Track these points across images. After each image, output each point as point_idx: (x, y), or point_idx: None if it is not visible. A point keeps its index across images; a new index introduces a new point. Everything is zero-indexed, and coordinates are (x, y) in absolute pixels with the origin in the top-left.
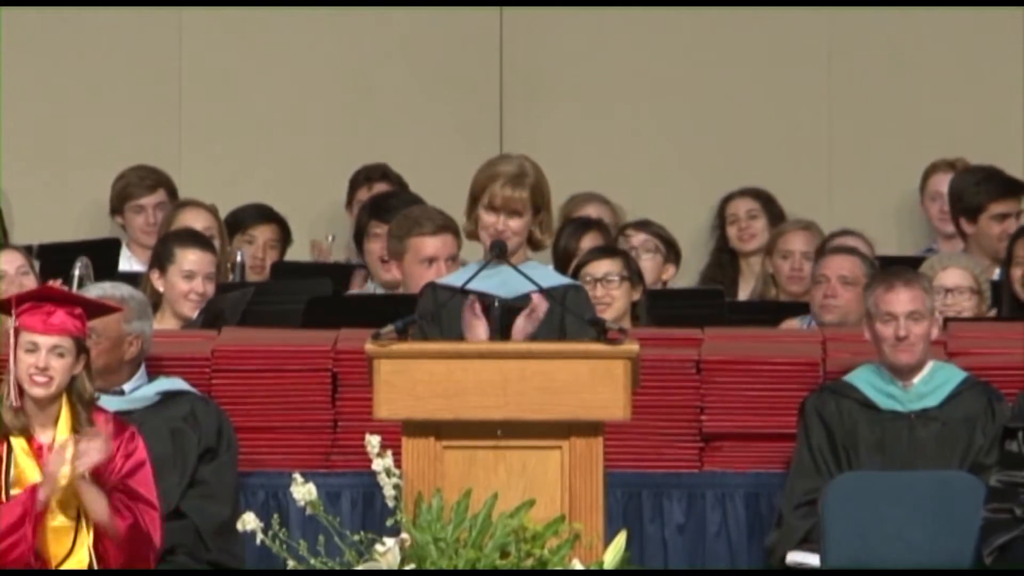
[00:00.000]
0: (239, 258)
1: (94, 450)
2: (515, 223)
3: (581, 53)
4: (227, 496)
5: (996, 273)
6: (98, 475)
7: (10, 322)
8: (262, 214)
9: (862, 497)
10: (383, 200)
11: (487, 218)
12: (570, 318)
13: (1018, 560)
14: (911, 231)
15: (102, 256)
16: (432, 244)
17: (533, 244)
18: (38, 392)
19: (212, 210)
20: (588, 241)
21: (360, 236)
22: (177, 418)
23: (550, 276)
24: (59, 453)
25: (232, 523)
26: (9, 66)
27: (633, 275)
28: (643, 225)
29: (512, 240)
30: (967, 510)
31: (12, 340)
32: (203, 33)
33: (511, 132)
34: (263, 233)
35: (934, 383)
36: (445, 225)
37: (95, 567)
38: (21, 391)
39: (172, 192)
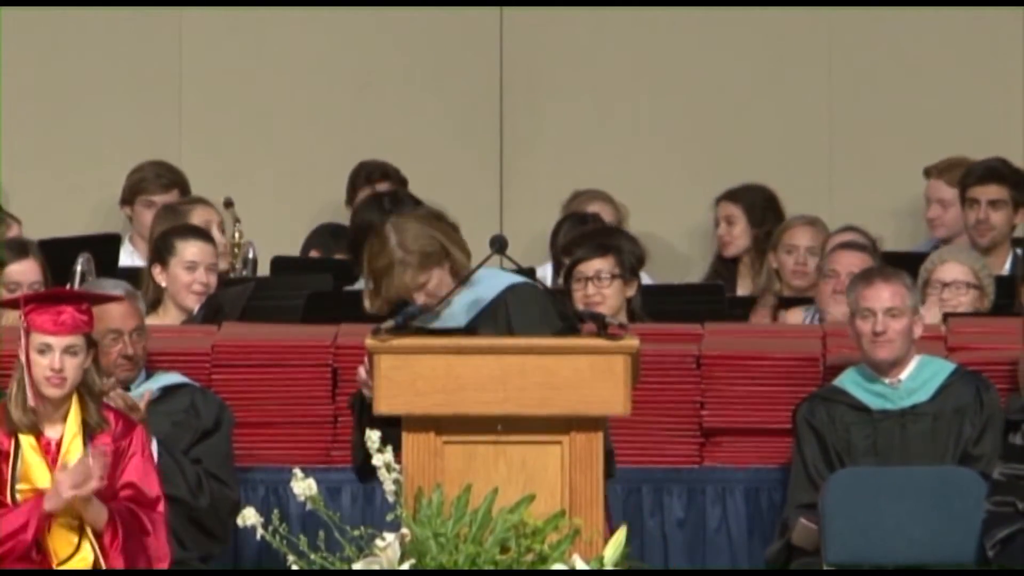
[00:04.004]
0: (250, 253)
1: (92, 474)
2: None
3: (581, 52)
4: (222, 471)
5: (1007, 267)
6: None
7: (21, 322)
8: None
9: (861, 493)
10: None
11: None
12: (517, 319)
13: (1020, 553)
14: (912, 230)
15: (103, 252)
16: None
17: (458, 275)
18: (54, 393)
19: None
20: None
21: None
22: (178, 411)
23: (491, 287)
24: (75, 470)
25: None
26: (9, 66)
27: (626, 272)
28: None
29: (431, 302)
30: (967, 504)
31: (24, 341)
32: (203, 33)
33: (511, 131)
34: None
35: (922, 377)
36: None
37: (102, 566)
38: (36, 391)
39: (186, 193)
